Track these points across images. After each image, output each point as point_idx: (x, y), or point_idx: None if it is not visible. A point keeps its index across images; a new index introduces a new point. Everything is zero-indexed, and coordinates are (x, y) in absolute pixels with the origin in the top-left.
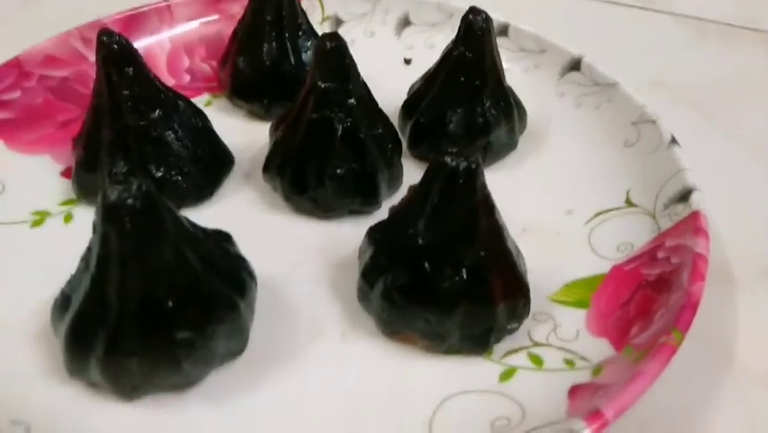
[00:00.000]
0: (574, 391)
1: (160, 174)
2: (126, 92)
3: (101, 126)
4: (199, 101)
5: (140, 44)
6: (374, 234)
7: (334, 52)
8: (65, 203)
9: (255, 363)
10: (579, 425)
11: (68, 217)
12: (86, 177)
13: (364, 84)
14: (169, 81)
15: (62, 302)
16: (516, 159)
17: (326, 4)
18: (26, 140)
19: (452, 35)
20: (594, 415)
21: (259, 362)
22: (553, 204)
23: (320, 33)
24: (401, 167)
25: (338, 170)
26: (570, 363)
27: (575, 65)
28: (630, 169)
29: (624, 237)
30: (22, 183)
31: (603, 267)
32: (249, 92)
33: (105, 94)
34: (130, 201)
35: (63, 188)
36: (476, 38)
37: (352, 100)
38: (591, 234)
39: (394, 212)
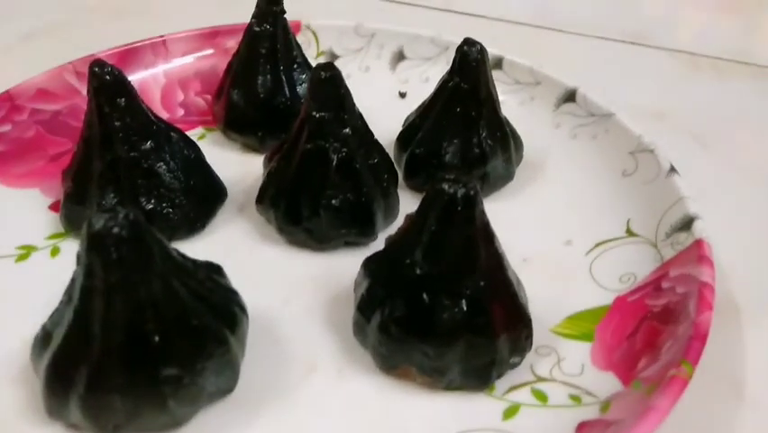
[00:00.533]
0: (582, 428)
1: (150, 206)
2: (118, 123)
3: (91, 158)
4: (193, 134)
5: (134, 78)
6: (370, 265)
7: (329, 82)
8: (52, 237)
9: (246, 401)
10: None
11: (54, 251)
12: (74, 209)
13: (359, 114)
14: (163, 115)
15: (43, 338)
16: (512, 189)
17: (321, 38)
18: (15, 173)
19: (447, 68)
20: None
21: (250, 400)
22: (552, 235)
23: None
24: (397, 197)
25: (333, 201)
26: (576, 398)
27: (570, 96)
28: (629, 198)
29: (626, 268)
30: (8, 217)
31: (606, 298)
32: (243, 125)
33: (95, 125)
34: (116, 230)
35: (51, 221)
36: (471, 69)
37: (347, 130)
38: (593, 265)
39: (390, 242)
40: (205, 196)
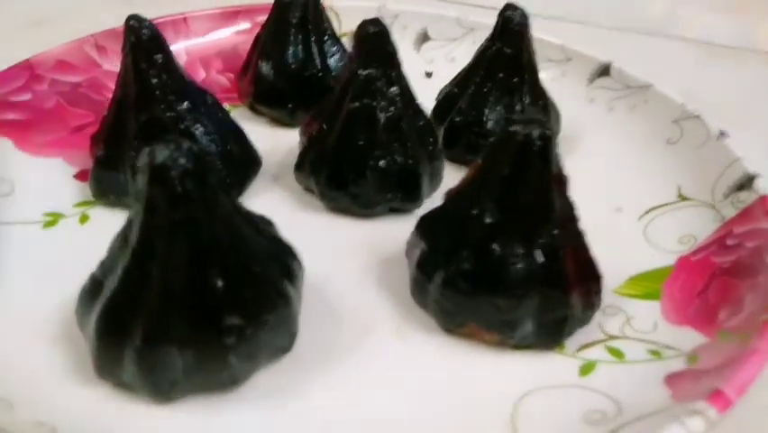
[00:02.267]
0: (672, 379)
1: None
2: (155, 80)
3: (125, 120)
4: None
5: None
6: (427, 222)
7: (377, 38)
8: (80, 204)
9: (303, 362)
10: (701, 406)
11: (83, 218)
12: (106, 175)
13: (405, 74)
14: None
15: (92, 289)
16: None
17: (344, 20)
18: (37, 142)
19: (473, 48)
20: (715, 395)
21: (307, 361)
22: (600, 203)
23: None
24: (443, 162)
25: (381, 162)
26: (656, 353)
27: (604, 70)
28: (677, 165)
29: (684, 230)
30: (32, 184)
31: (667, 259)
32: (272, 97)
33: (131, 83)
34: (182, 161)
35: (78, 189)
36: (514, 33)
37: (394, 89)
38: (647, 230)
39: (451, 195)
40: (242, 162)
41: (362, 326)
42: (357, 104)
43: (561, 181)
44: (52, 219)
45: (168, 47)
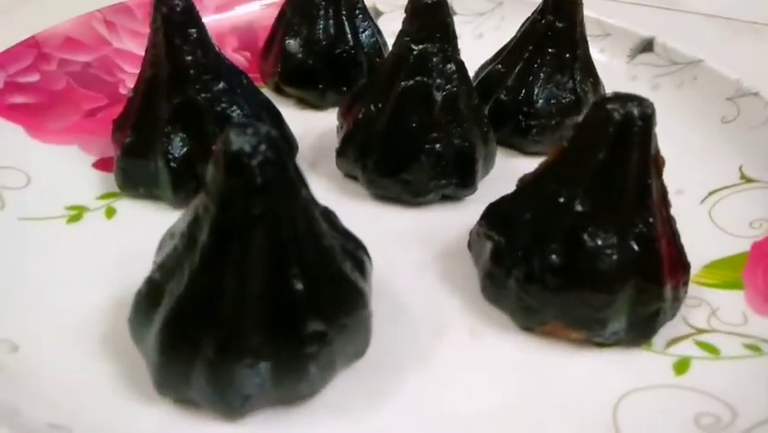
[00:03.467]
0: None
1: None
2: (189, 58)
3: (155, 102)
4: None
5: None
6: (498, 211)
7: (434, 9)
8: (104, 196)
9: (376, 367)
10: None
11: (109, 212)
12: (134, 163)
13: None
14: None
15: (150, 294)
16: None
17: None
18: (50, 129)
19: (502, 24)
20: None
21: (380, 366)
22: None
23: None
24: (495, 145)
25: (437, 145)
26: (754, 348)
27: (647, 46)
28: (736, 144)
29: (754, 213)
30: (51, 175)
31: (741, 245)
32: (301, 77)
33: (162, 61)
34: (262, 147)
35: (99, 180)
36: (567, 5)
37: (451, 65)
38: (712, 214)
39: (526, 181)
40: None
41: (434, 326)
42: (411, 82)
43: (658, 163)
44: (76, 213)
45: (201, 20)
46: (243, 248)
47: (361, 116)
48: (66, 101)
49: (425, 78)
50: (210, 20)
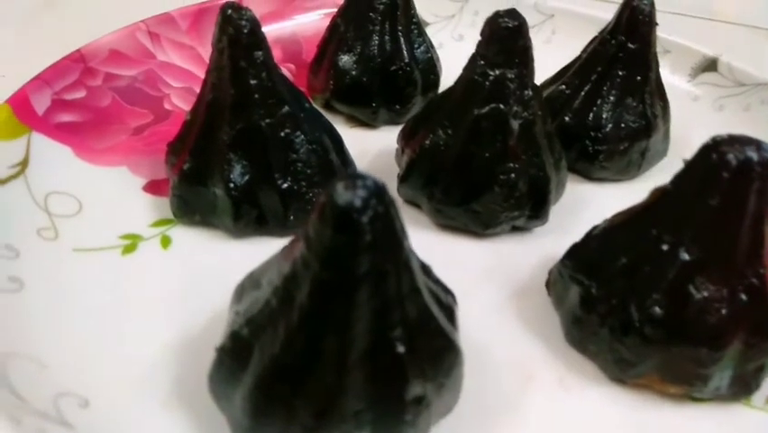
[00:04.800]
0: None
1: (287, 185)
2: (254, 82)
3: (216, 126)
4: None
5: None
6: (583, 252)
7: (515, 34)
8: (157, 223)
9: (465, 422)
10: None
11: (165, 241)
12: (192, 190)
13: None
14: None
15: (237, 351)
16: (668, 167)
17: None
18: (98, 148)
19: (553, 38)
20: None
21: (470, 419)
22: None
23: None
24: (566, 172)
25: (512, 175)
26: None
27: (710, 65)
28: None
29: None
30: (101, 200)
31: None
32: (354, 95)
33: (226, 84)
34: (373, 202)
35: (150, 205)
36: (642, 25)
37: (528, 91)
38: None
39: (618, 223)
40: (341, 171)
41: (519, 374)
42: (486, 109)
43: None
44: (131, 243)
45: (266, 40)
46: (347, 309)
47: (428, 142)
48: (112, 118)
49: (502, 106)
50: None
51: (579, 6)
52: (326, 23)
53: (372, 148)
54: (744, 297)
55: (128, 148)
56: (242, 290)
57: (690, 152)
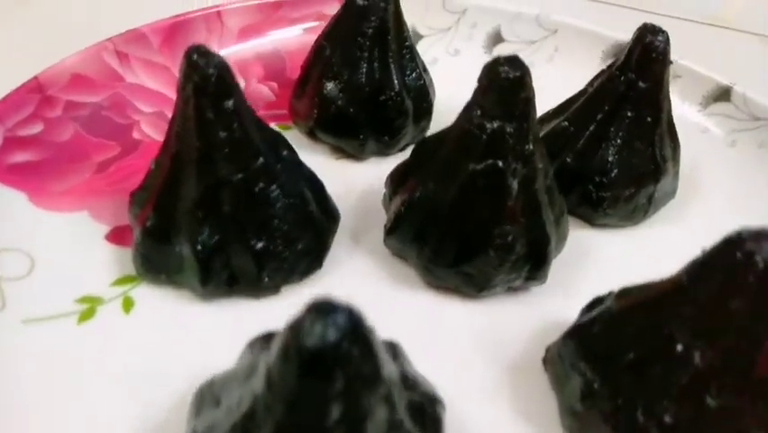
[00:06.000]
0: None
1: (261, 245)
2: (223, 134)
3: (181, 179)
4: None
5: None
6: (587, 338)
7: (516, 85)
8: (119, 281)
9: None
10: None
11: (127, 304)
12: (156, 249)
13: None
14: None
15: None
16: (676, 210)
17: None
18: (55, 191)
19: (556, 55)
20: None
21: None
22: None
23: None
24: (568, 225)
25: (509, 238)
26: None
27: (723, 95)
28: None
29: None
30: (58, 254)
31: None
32: (340, 125)
33: (192, 136)
34: (346, 344)
35: (113, 258)
36: (655, 63)
37: (529, 146)
38: None
39: (626, 310)
40: (322, 223)
41: None
42: (482, 165)
43: None
44: (88, 308)
45: (238, 86)
46: None
47: (417, 194)
48: (73, 154)
49: (500, 162)
50: (233, 43)
51: (584, 23)
52: (312, 37)
53: (359, 183)
54: (762, 407)
55: (90, 189)
56: (201, 402)
57: (700, 193)
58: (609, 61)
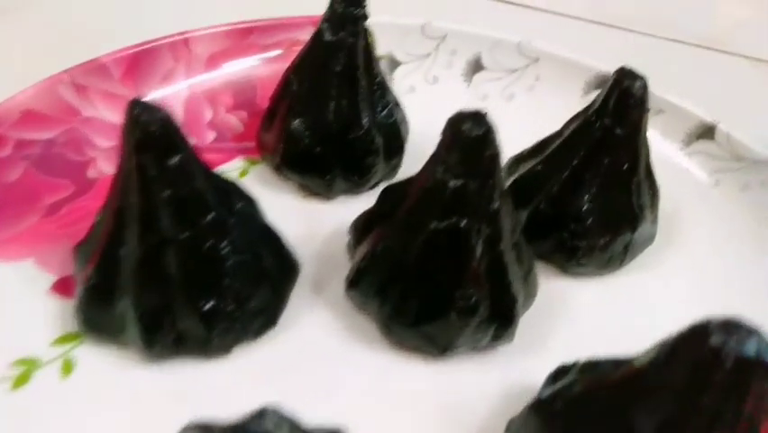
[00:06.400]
0: None
1: (210, 306)
2: (168, 192)
3: (124, 237)
4: (232, 169)
5: (152, 93)
6: (550, 417)
7: (479, 143)
8: (60, 340)
9: None
10: None
11: (67, 367)
12: (98, 307)
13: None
14: (190, 141)
15: None
16: (654, 255)
17: (380, 39)
18: (0, 238)
19: (537, 84)
20: None
21: None
22: (706, 311)
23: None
24: (537, 280)
25: (472, 300)
26: None
27: (706, 132)
28: None
29: None
30: None
31: None
32: (307, 164)
33: (134, 193)
34: None
35: (57, 312)
36: (632, 110)
37: (494, 204)
38: None
39: (587, 389)
40: (278, 278)
41: None
42: (444, 223)
43: None
44: (24, 372)
45: (186, 140)
46: None
47: (380, 248)
48: (21, 196)
49: (463, 222)
50: (200, 71)
51: (567, 52)
52: (284, 65)
53: (326, 224)
54: None
55: (38, 234)
56: None
57: (680, 237)
58: (592, 93)
